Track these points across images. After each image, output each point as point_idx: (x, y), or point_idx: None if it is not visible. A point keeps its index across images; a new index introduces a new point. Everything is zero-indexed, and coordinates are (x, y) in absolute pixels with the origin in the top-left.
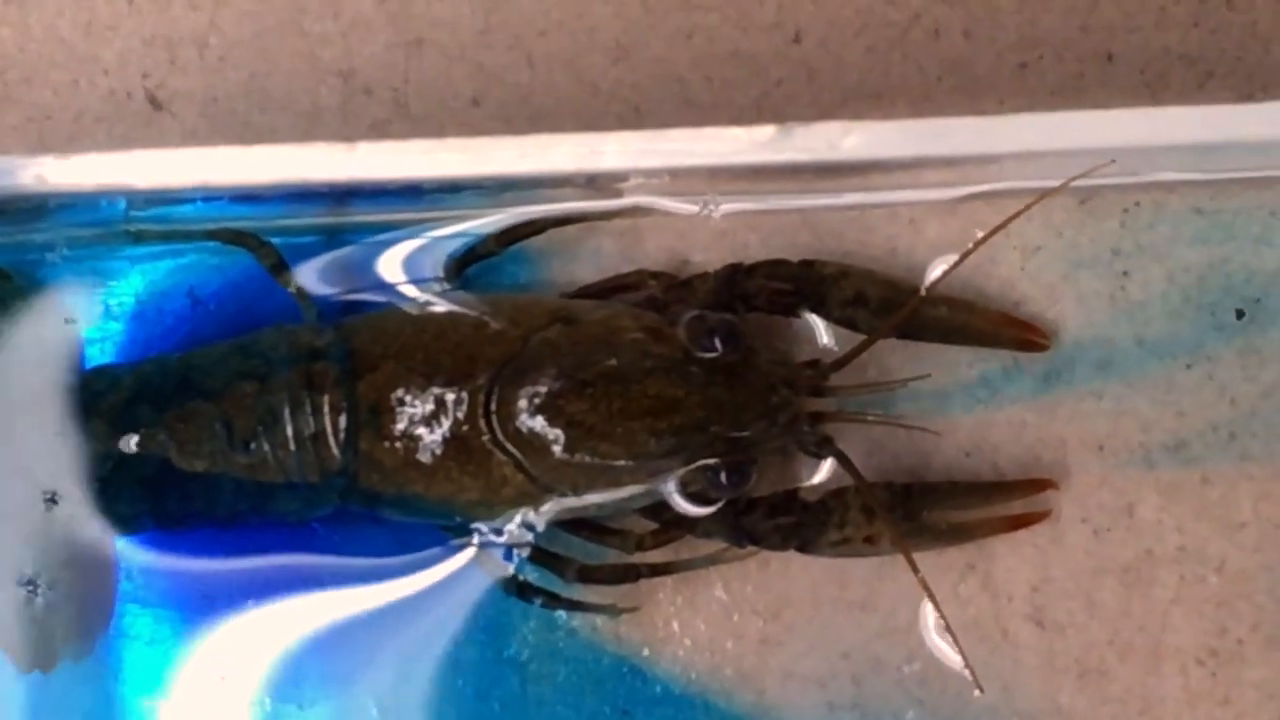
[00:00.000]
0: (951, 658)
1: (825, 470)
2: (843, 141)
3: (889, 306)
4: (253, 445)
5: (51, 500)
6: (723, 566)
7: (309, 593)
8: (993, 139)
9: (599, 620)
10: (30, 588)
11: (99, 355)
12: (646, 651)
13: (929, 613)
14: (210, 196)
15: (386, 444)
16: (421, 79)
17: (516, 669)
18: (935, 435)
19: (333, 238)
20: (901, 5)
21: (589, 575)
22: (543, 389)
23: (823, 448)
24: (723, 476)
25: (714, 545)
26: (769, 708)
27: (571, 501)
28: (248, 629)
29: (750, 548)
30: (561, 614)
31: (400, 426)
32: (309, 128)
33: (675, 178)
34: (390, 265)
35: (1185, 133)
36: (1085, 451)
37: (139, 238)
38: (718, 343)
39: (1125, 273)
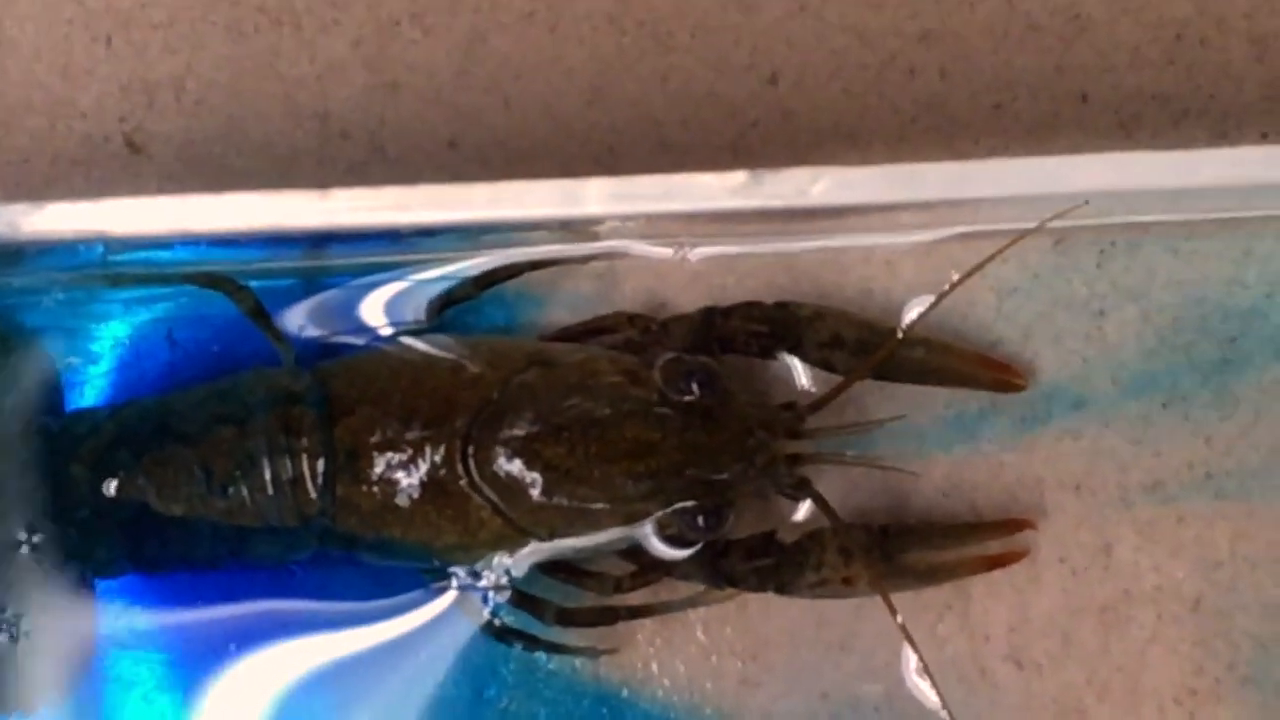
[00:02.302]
0: (930, 698)
1: (803, 512)
2: (812, 187)
3: (866, 348)
4: (231, 489)
5: (30, 543)
6: (701, 608)
7: (289, 636)
8: (964, 184)
9: (578, 662)
10: (7, 631)
11: (79, 399)
12: (626, 693)
13: (908, 653)
14: (188, 241)
15: (364, 488)
16: (398, 122)
17: (496, 711)
18: (913, 476)
19: (310, 281)
20: (877, 46)
21: (568, 617)
22: (520, 433)
23: (800, 489)
24: (700, 519)
25: (692, 587)
26: None
27: (550, 544)
28: (228, 672)
29: (729, 589)
30: (541, 656)
31: (378, 470)
32: (286, 170)
33: (650, 221)
34: (368, 309)
35: (1159, 176)
36: (1062, 491)
37: (117, 282)
38: (694, 386)
39: (1101, 313)
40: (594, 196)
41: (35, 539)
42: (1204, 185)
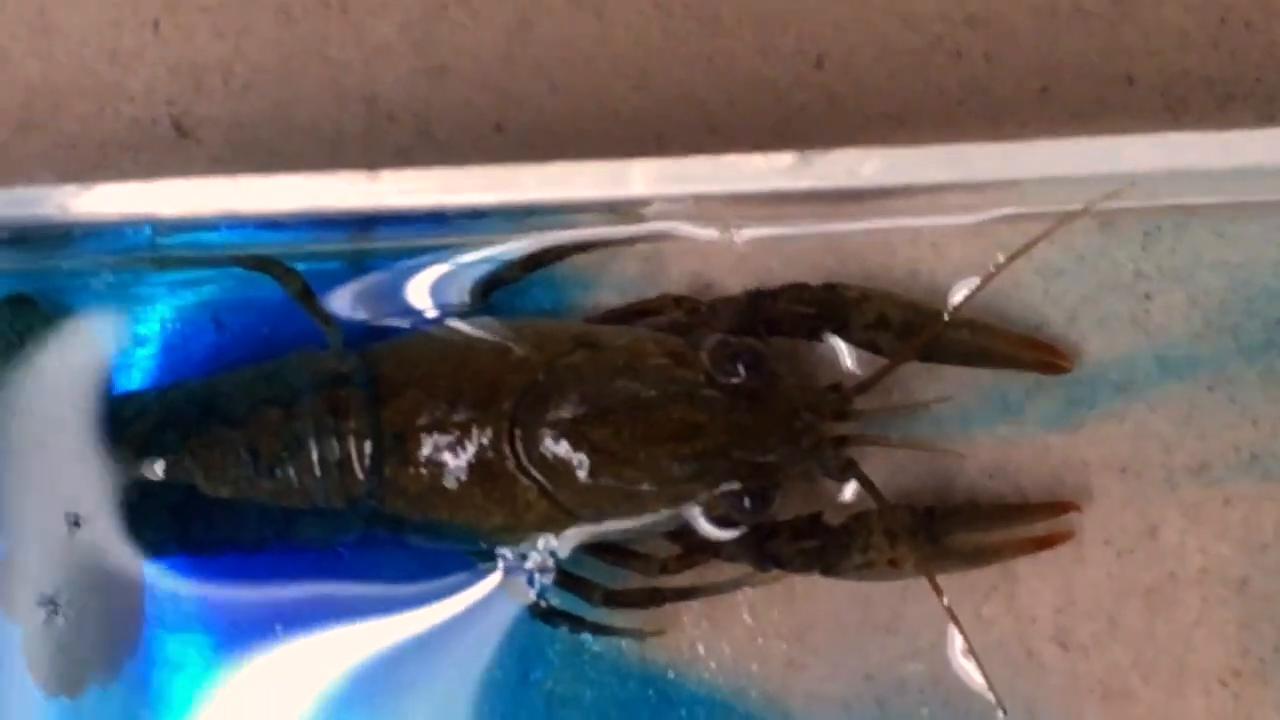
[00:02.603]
0: (975, 680)
1: (849, 494)
2: (861, 168)
3: (911, 330)
4: (278, 471)
5: (76, 524)
6: (747, 590)
7: (335, 617)
8: (1012, 164)
9: (624, 644)
10: (51, 607)
11: (126, 381)
12: (672, 674)
13: (953, 635)
14: (235, 223)
15: (411, 470)
16: (445, 105)
17: (542, 693)
18: (959, 457)
19: (357, 264)
20: (922, 30)
21: (614, 599)
22: (566, 415)
23: (846, 471)
24: (746, 501)
25: (738, 569)
26: None
27: (596, 526)
28: (274, 654)
29: (774, 571)
30: (587, 637)
31: (425, 452)
32: (333, 154)
33: (697, 203)
34: (414, 291)
35: (1206, 157)
36: (1108, 473)
37: (164, 264)
38: (741, 367)
39: (1147, 295)
40: (641, 178)
41: (80, 519)
42: (1250, 166)
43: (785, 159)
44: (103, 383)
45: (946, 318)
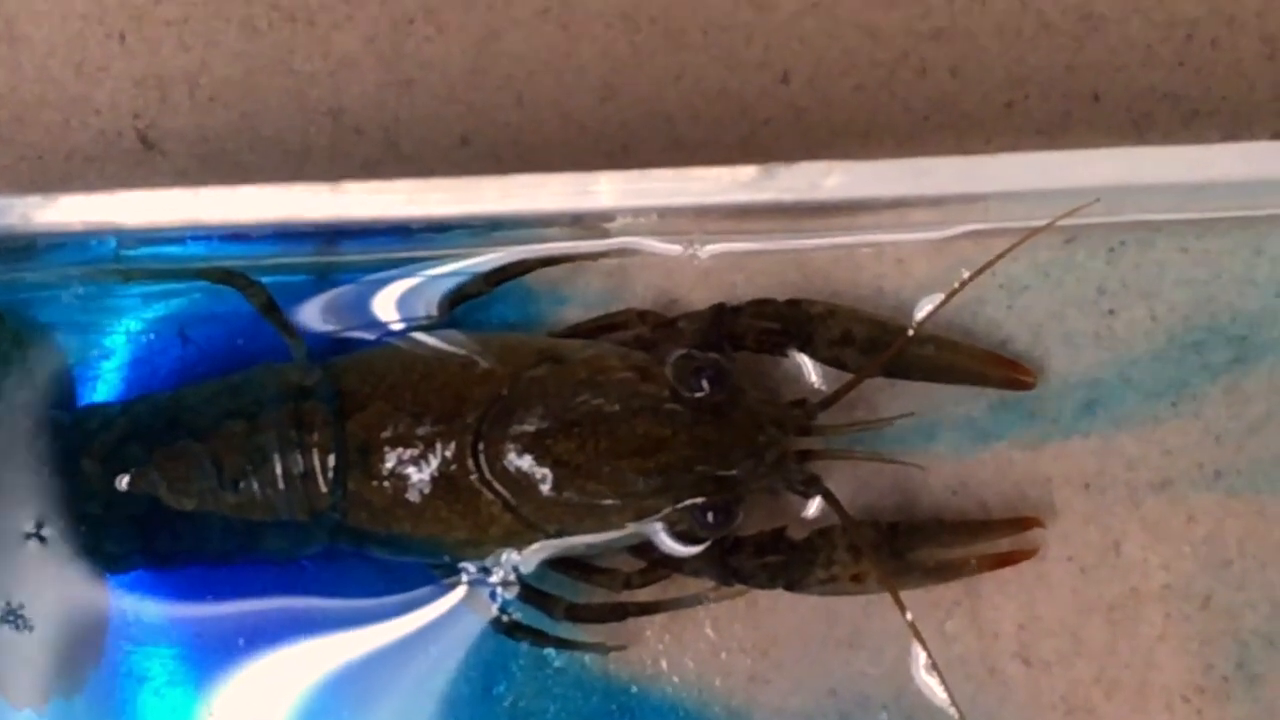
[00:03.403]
0: (938, 695)
1: (813, 509)
2: (825, 181)
3: (876, 345)
4: (242, 484)
5: (38, 537)
6: (711, 605)
7: (300, 631)
8: (975, 178)
9: (588, 658)
10: (11, 619)
11: (91, 394)
12: (635, 689)
13: (916, 651)
14: (200, 236)
15: (375, 483)
16: (411, 118)
17: (505, 707)
18: (922, 471)
19: (322, 277)
20: (888, 44)
21: (577, 614)
22: (530, 428)
23: (810, 486)
24: (710, 516)
25: (702, 584)
26: None
27: (559, 540)
28: (239, 667)
29: (738, 586)
30: (551, 652)
31: (389, 466)
32: (299, 167)
33: (662, 217)
34: (379, 304)
35: (1171, 172)
36: (1071, 489)
37: (129, 277)
38: (705, 382)
39: (1111, 311)
40: (605, 190)
41: (46, 533)
42: (1215, 180)
43: (749, 171)
44: (67, 395)
45: (911, 333)
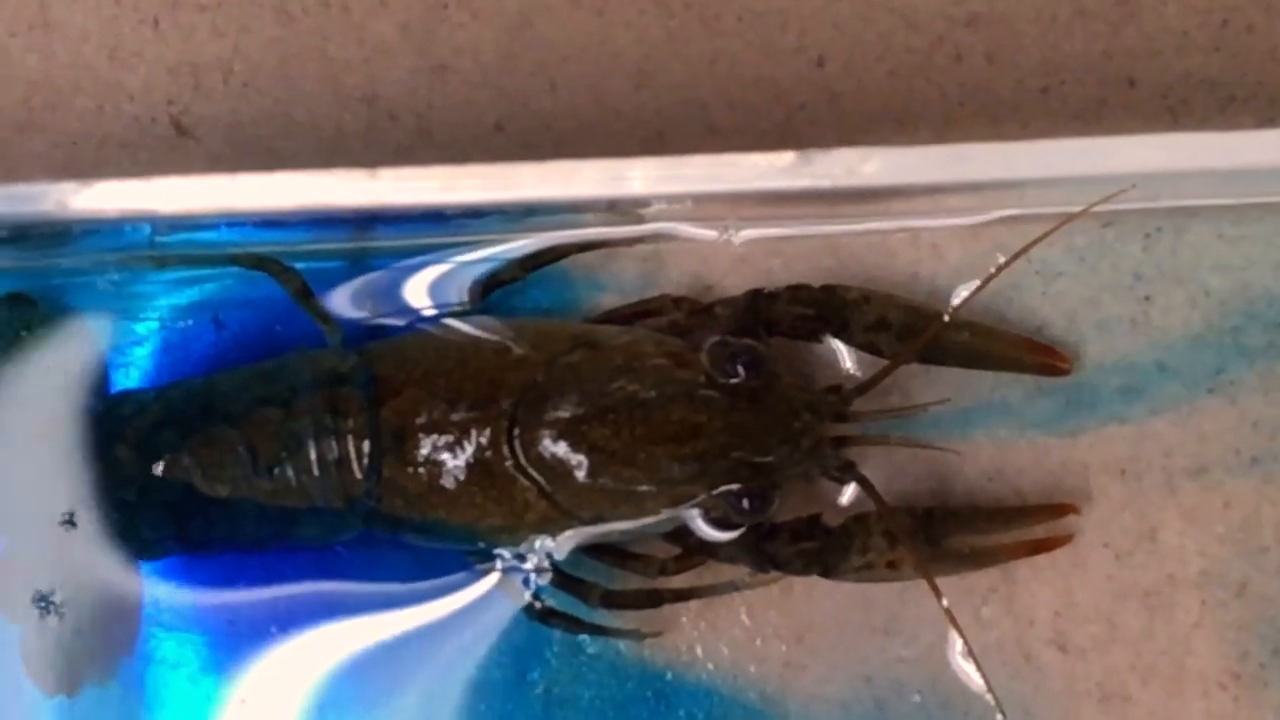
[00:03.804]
0: (974, 682)
1: (848, 495)
2: (862, 167)
3: (911, 331)
4: (276, 470)
5: (70, 522)
6: (746, 591)
7: (333, 617)
8: (1012, 164)
9: (623, 645)
10: (43, 605)
11: (124, 380)
12: (670, 676)
13: (952, 637)
14: (234, 222)
15: (410, 469)
16: (445, 104)
17: (540, 693)
18: (957, 457)
19: (357, 263)
20: (924, 30)
21: (612, 600)
22: (565, 414)
23: (845, 473)
24: (745, 502)
25: (737, 570)
26: None
27: (594, 527)
28: (272, 653)
29: (773, 573)
30: (585, 638)
31: (423, 452)
32: (333, 153)
33: (697, 203)
34: (414, 290)
35: (1207, 158)
36: (1107, 476)
37: (163, 263)
38: (740, 368)
39: (1147, 297)
40: (641, 177)
41: (79, 519)
42: (1251, 167)
43: (786, 158)
44: (101, 381)
45: (946, 319)
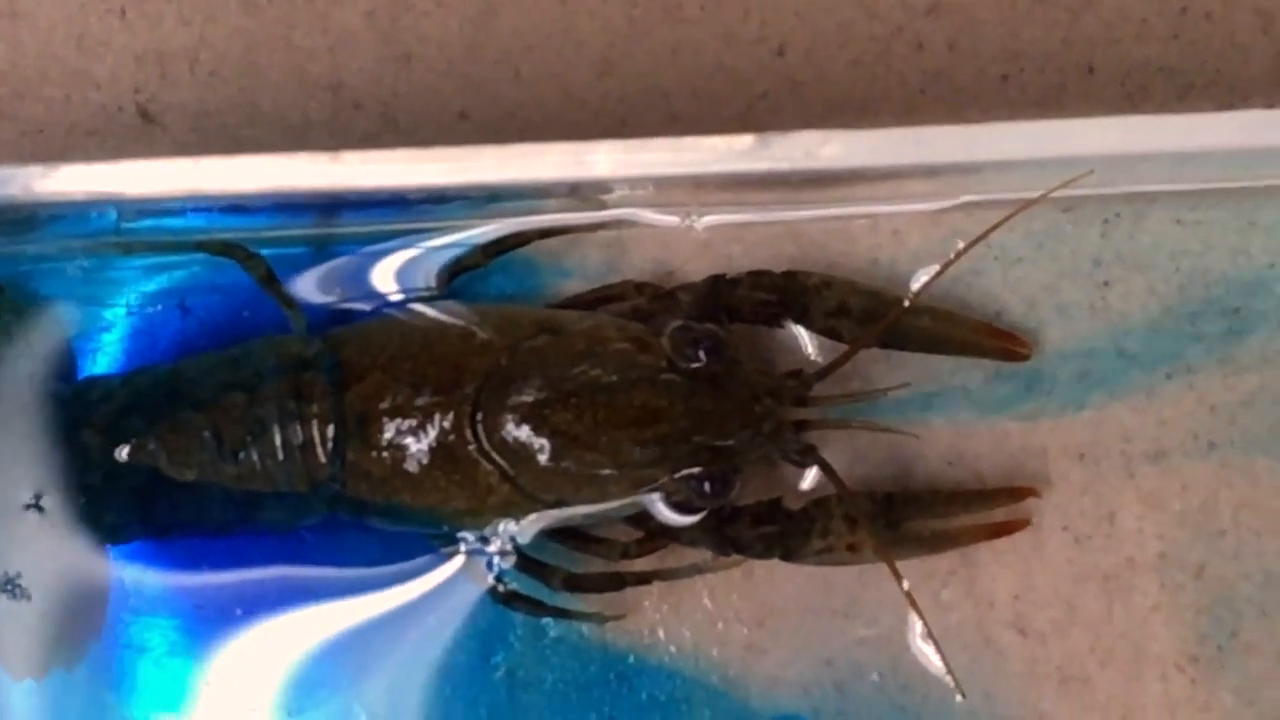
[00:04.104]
0: (934, 664)
1: (809, 479)
2: (821, 150)
3: (872, 316)
4: (241, 455)
5: (37, 507)
6: (708, 575)
7: (299, 601)
8: (971, 147)
9: (585, 628)
10: (9, 589)
11: (91, 365)
12: (632, 658)
13: (912, 620)
14: (200, 208)
15: (374, 454)
16: (410, 93)
17: (504, 676)
18: (917, 442)
19: (321, 249)
20: (884, 18)
21: (575, 583)
22: (528, 399)
23: (806, 456)
24: (706, 486)
25: (699, 553)
26: (754, 714)
27: (557, 510)
28: (239, 637)
29: (735, 556)
30: (548, 621)
31: (387, 436)
32: (298, 141)
33: (659, 189)
34: (378, 276)
35: (1164, 141)
36: (1066, 460)
37: (129, 249)
38: (702, 353)
39: (1106, 283)
40: (602, 160)
41: (45, 504)
42: (1209, 149)
43: (745, 141)
44: (68, 366)
45: (906, 305)
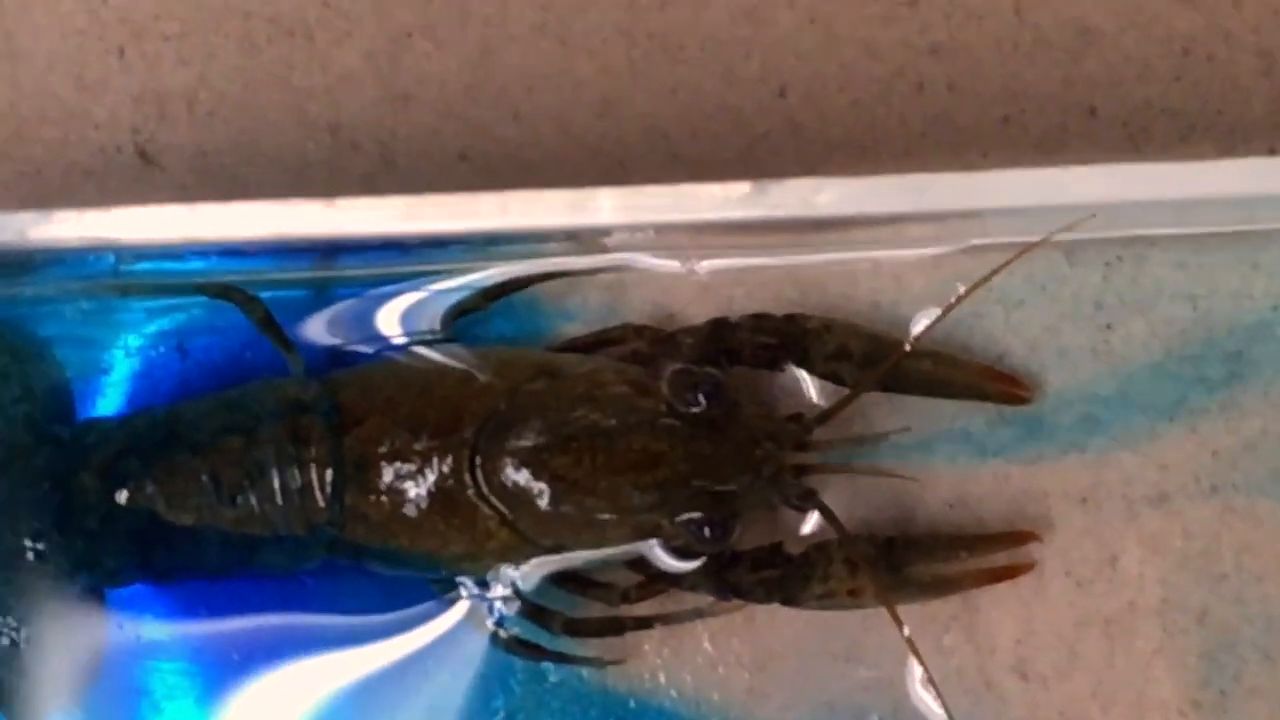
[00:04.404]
0: (935, 710)
1: (810, 524)
2: (817, 197)
3: (873, 360)
4: (239, 499)
5: (34, 551)
6: (708, 619)
7: (298, 646)
8: (969, 194)
9: (586, 672)
10: (5, 633)
11: (89, 408)
12: (633, 703)
13: (913, 665)
14: (198, 251)
15: (372, 498)
16: (409, 133)
17: None
18: (918, 486)
19: (320, 292)
20: (885, 59)
21: (575, 628)
22: (527, 443)
23: (806, 501)
24: (706, 530)
25: (699, 598)
26: None
27: (557, 555)
28: (238, 681)
29: (735, 601)
30: (548, 666)
31: (386, 480)
32: (297, 182)
33: (659, 233)
34: (377, 319)
35: (1167, 188)
36: (1068, 504)
37: (128, 292)
38: (702, 397)
39: (1108, 326)
40: (602, 206)
41: (43, 547)
42: (1210, 197)
43: (742, 188)
44: (66, 409)
45: (908, 348)
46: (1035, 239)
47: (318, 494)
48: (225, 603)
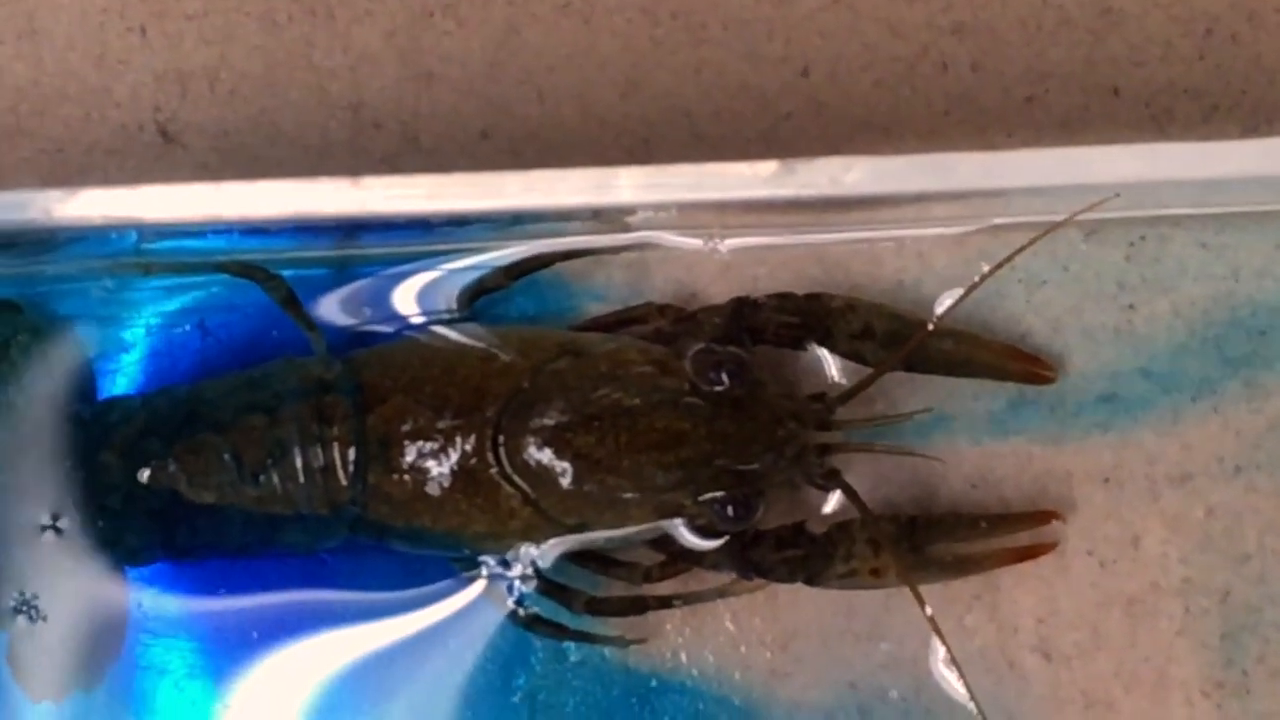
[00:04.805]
0: (958, 689)
1: (832, 503)
2: (845, 176)
3: (896, 339)
4: (262, 477)
5: (56, 529)
6: (730, 598)
7: (319, 624)
8: (994, 174)
9: (607, 651)
10: (28, 611)
11: (111, 387)
12: (655, 682)
13: (935, 644)
14: (220, 230)
15: (395, 476)
16: (431, 112)
17: (525, 700)
18: (941, 465)
19: (342, 271)
20: (909, 39)
21: (597, 607)
22: (550, 422)
23: (829, 480)
24: (729, 509)
25: (722, 577)
26: None
27: (579, 534)
28: (259, 660)
29: (758, 580)
30: (570, 645)
31: (409, 459)
32: (318, 161)
33: (682, 212)
34: (399, 298)
35: (1190, 167)
36: (1091, 484)
37: (150, 270)
38: (725, 376)
39: (1131, 306)
40: (626, 186)
41: (63, 525)
42: (1234, 176)
43: (769, 167)
44: (88, 388)
45: (931, 327)
46: (1058, 218)
47: (340, 473)
48: (247, 581)
